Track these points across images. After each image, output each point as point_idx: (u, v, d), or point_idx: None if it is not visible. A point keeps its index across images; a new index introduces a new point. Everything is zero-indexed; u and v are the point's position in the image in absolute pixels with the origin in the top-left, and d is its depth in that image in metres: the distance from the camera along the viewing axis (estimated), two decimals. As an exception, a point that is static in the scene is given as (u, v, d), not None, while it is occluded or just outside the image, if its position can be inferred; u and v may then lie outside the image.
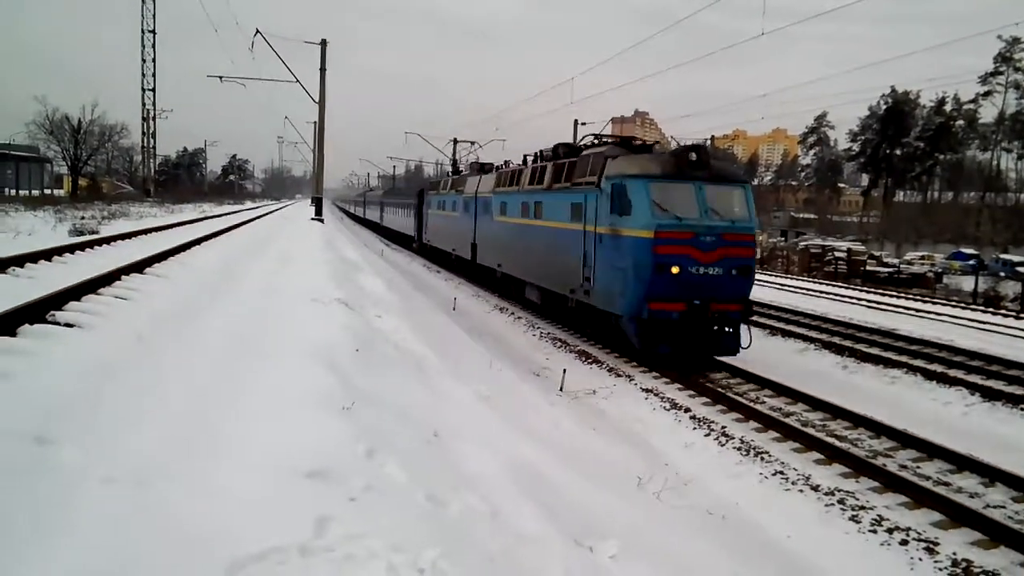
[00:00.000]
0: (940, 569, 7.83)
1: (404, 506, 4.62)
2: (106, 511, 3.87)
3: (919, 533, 8.62)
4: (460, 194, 31.94)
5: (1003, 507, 9.42)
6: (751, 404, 13.57)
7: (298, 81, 41.73)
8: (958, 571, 7.76)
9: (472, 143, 62.01)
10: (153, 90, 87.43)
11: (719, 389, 14.59)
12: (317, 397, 6.39)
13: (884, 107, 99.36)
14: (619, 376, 16.18)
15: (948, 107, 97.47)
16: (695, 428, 12.67)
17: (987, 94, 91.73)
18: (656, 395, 14.60)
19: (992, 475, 10.22)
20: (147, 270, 13.33)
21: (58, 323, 7.86)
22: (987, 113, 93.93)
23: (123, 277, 11.68)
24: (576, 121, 49.85)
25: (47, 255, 14.35)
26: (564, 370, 15.53)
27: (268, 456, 4.73)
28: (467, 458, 6.85)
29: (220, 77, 43.95)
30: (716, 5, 23.70)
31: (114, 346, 7.18)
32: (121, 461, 4.45)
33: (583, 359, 17.88)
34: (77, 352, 6.66)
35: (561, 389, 14.80)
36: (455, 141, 60.97)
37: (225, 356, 7.53)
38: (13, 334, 7.04)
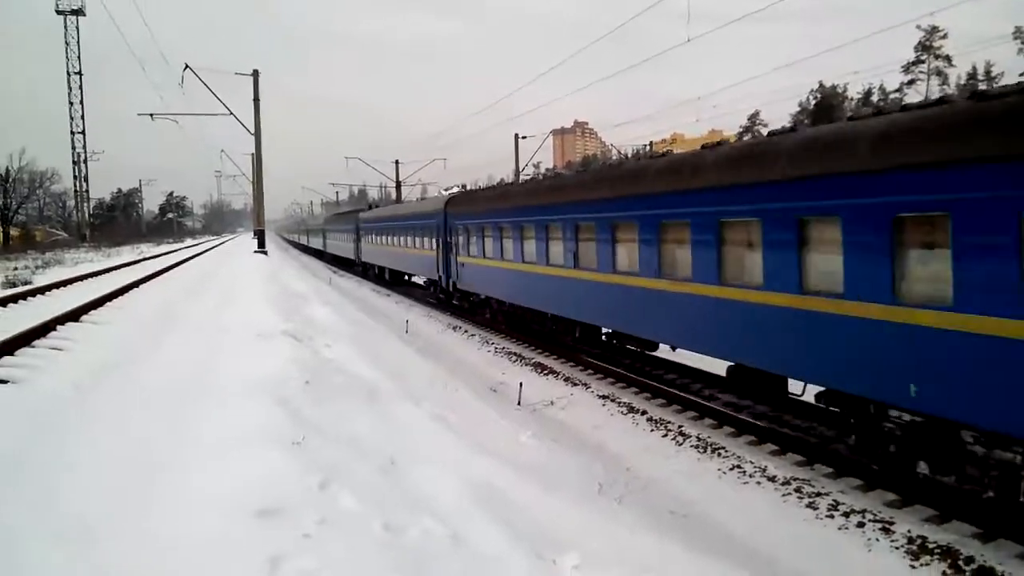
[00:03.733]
0: (896, 547, 8.00)
1: (360, 537, 4.55)
2: (51, 571, 3.74)
3: (875, 514, 8.79)
4: None
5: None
6: (704, 402, 13.72)
7: (232, 113, 41.25)
8: (914, 548, 7.93)
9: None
10: (83, 133, 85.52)
11: (672, 390, 14.72)
12: (266, 433, 6.27)
13: (813, 102, 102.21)
14: (575, 385, 16.23)
15: (875, 98, 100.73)
16: (652, 430, 12.76)
17: (911, 83, 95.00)
18: (613, 400, 14.67)
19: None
20: (83, 318, 12.99)
21: (-9, 380, 7.60)
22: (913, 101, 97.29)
23: (58, 327, 11.36)
24: (517, 135, 50.24)
25: (-23, 310, 13.88)
26: (521, 384, 15.52)
27: (216, 499, 4.63)
28: (424, 482, 6.79)
29: (151, 115, 43.24)
30: (648, 12, 24.21)
31: (50, 399, 6.96)
32: (64, 516, 4.31)
33: (539, 371, 17.88)
34: (11, 408, 6.44)
35: (519, 403, 14.78)
36: (397, 163, 60.90)
37: (168, 400, 7.36)
38: (-57, 394, 6.79)
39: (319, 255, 71.49)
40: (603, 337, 18.02)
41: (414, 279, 37.47)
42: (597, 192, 15.65)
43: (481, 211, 22.97)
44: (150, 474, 5.08)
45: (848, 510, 8.98)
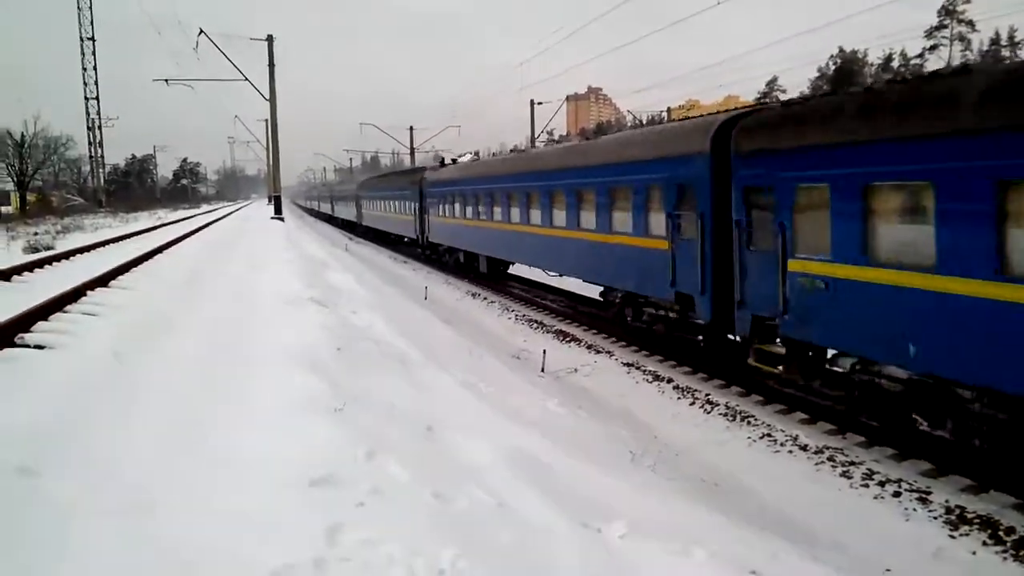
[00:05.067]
0: (935, 518, 7.96)
1: (413, 506, 4.53)
2: (104, 545, 3.71)
3: (911, 484, 8.74)
4: None
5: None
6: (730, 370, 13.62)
7: (246, 79, 41.08)
8: (952, 518, 7.88)
9: None
10: (97, 98, 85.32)
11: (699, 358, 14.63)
12: (307, 401, 6.26)
13: (833, 68, 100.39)
14: (599, 353, 16.19)
15: (896, 63, 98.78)
16: (679, 398, 12.73)
17: (933, 48, 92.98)
18: (638, 368, 14.63)
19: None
20: (112, 283, 12.99)
21: (28, 346, 7.62)
22: (934, 67, 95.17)
23: (88, 292, 11.37)
24: (533, 101, 49.84)
25: (6, 275, 13.91)
26: (544, 351, 15.49)
27: (267, 468, 4.61)
28: (463, 450, 6.77)
29: (166, 80, 43.13)
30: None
31: (89, 365, 6.96)
32: (113, 489, 4.29)
33: (561, 339, 17.86)
34: (52, 375, 6.44)
35: (543, 370, 14.78)
36: (411, 129, 60.63)
37: (206, 367, 7.35)
38: (-18, 361, 6.78)
39: (349, 228, 57.59)
40: None
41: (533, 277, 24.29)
42: None
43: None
44: (200, 443, 5.07)
45: (883, 479, 8.93)
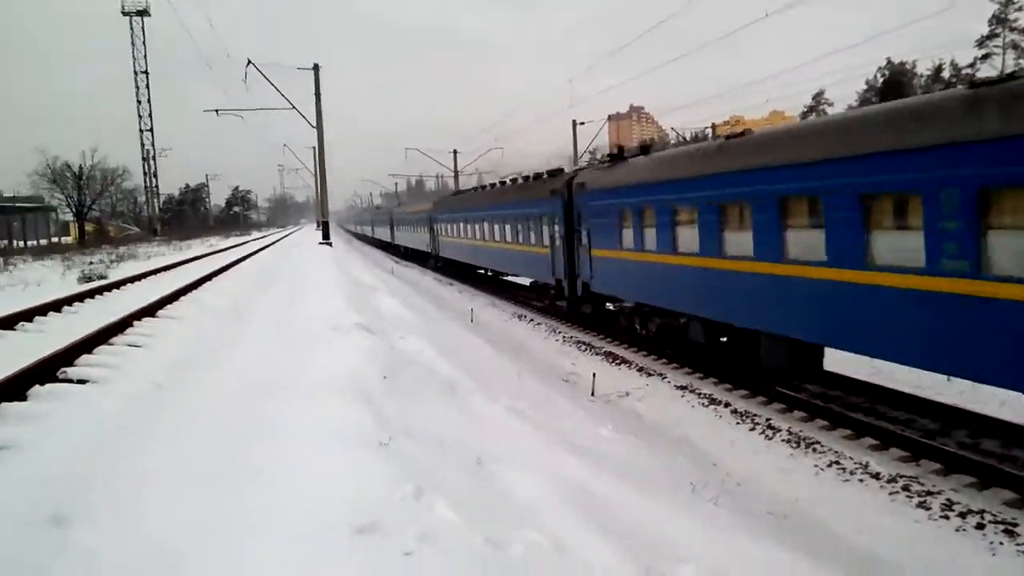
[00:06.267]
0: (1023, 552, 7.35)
1: (464, 554, 4.20)
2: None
3: (995, 515, 8.13)
4: None
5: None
6: (791, 393, 13.05)
7: (294, 107, 41.64)
8: (1046, 554, 7.26)
9: None
10: (151, 130, 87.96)
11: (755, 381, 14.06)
12: (353, 434, 6.00)
13: (881, 79, 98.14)
14: (650, 375, 15.71)
15: (946, 74, 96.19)
16: (738, 423, 12.19)
17: (985, 57, 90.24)
18: (692, 392, 14.12)
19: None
20: (159, 312, 13.01)
21: (70, 380, 7.53)
22: (985, 75, 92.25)
23: (135, 323, 11.37)
24: (575, 121, 49.71)
25: (56, 306, 14.05)
26: (594, 374, 15.08)
27: (311, 511, 4.33)
28: (515, 485, 6.42)
29: (216, 111, 44.02)
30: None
31: (130, 401, 6.81)
32: (145, 540, 4.05)
33: (611, 360, 17.42)
34: (91, 412, 6.29)
35: (593, 394, 14.37)
36: (455, 152, 60.93)
37: (251, 398, 7.15)
38: (23, 398, 6.69)
39: (415, 257, 47.79)
40: None
41: None
42: None
43: None
44: (240, 485, 4.83)
45: (964, 510, 8.33)
